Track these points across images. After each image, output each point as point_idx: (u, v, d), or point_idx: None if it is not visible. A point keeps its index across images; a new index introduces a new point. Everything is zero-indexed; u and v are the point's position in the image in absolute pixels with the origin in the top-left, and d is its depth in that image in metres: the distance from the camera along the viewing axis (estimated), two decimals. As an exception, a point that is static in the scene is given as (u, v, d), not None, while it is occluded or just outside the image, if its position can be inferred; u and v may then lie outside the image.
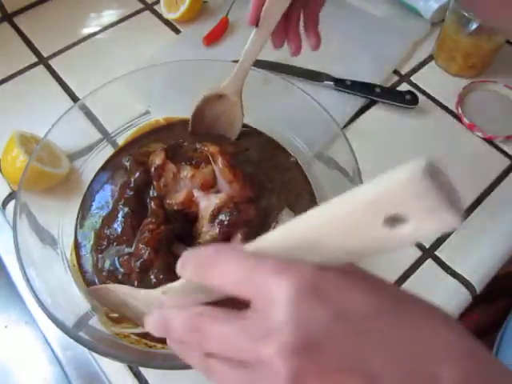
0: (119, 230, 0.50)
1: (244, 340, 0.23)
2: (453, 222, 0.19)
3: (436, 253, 0.57)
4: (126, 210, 0.51)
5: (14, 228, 0.46)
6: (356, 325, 0.22)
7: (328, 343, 0.22)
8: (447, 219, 0.19)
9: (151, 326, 0.29)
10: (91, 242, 0.51)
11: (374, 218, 0.21)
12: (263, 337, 0.23)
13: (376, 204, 0.21)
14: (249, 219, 0.49)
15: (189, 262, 0.27)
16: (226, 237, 0.48)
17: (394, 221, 0.20)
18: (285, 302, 0.22)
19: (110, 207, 0.53)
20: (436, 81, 0.73)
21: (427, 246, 0.57)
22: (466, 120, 0.67)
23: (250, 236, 0.49)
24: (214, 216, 0.48)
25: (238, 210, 0.49)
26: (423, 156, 0.20)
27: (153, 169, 0.51)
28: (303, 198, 0.55)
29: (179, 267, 0.28)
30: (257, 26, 0.45)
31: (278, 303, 0.22)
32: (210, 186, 0.51)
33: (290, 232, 0.25)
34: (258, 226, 0.50)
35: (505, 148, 0.66)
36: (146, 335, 0.46)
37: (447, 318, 0.25)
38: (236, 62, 0.52)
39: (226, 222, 0.48)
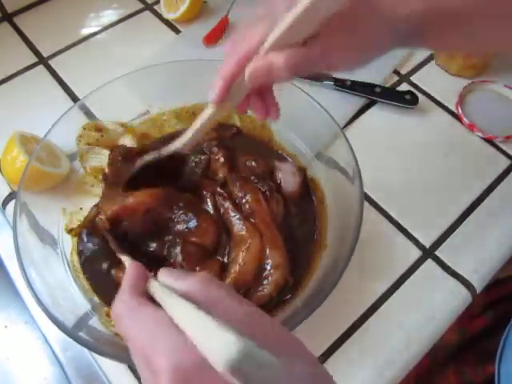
0: None
1: None
2: None
3: (436, 253, 0.57)
4: None
5: (14, 228, 0.46)
6: None
7: None
8: None
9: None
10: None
11: None
12: None
13: None
14: None
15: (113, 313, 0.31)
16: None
17: None
18: None
19: None
20: (436, 81, 0.73)
21: (427, 246, 0.57)
22: (465, 120, 0.67)
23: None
24: None
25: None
26: (240, 341, 0.22)
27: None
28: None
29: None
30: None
31: None
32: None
33: None
34: None
35: (505, 148, 0.66)
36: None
37: None
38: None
39: None
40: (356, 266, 0.45)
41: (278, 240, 0.49)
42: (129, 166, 0.56)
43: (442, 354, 0.65)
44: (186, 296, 0.28)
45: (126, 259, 0.43)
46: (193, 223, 0.49)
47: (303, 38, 0.34)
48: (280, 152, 0.60)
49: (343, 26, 0.35)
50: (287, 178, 0.56)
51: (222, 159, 0.56)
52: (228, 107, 0.43)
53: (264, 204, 0.52)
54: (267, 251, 0.48)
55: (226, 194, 0.52)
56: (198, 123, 0.45)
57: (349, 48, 0.37)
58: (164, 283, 0.31)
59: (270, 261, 0.48)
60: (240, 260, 0.48)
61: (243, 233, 0.49)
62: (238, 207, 0.51)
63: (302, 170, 0.57)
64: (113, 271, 0.49)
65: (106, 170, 0.56)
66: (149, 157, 0.51)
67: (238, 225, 0.50)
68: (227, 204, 0.51)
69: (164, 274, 0.32)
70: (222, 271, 0.48)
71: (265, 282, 0.47)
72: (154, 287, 0.31)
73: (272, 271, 0.47)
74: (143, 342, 0.27)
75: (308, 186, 0.57)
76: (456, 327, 0.59)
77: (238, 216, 0.50)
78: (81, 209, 0.55)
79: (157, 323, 0.28)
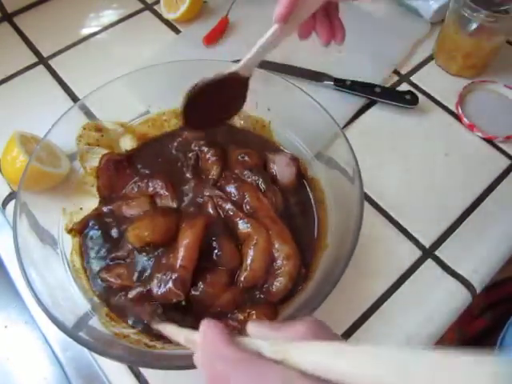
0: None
1: None
2: None
3: (436, 253, 0.57)
4: None
5: (14, 228, 0.46)
6: None
7: None
8: None
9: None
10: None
11: None
12: None
13: None
14: None
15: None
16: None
17: None
18: None
19: None
20: (436, 81, 0.73)
21: (427, 246, 0.57)
22: (465, 120, 0.67)
23: None
24: None
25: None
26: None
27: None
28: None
29: None
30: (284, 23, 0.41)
31: None
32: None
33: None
34: None
35: (505, 148, 0.66)
36: (146, 334, 0.46)
37: None
38: (236, 62, 0.51)
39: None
40: (356, 265, 0.45)
41: (286, 232, 0.50)
42: (121, 175, 0.56)
43: None
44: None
45: (185, 334, 0.37)
46: (219, 252, 0.49)
47: None
48: (273, 142, 0.60)
49: None
50: (282, 169, 0.56)
51: (213, 157, 0.56)
52: (292, 27, 0.41)
53: (264, 200, 0.52)
54: (276, 245, 0.48)
55: (225, 196, 0.52)
56: (259, 42, 0.43)
57: None
58: (259, 337, 0.28)
59: (280, 253, 0.48)
60: (249, 258, 0.48)
61: (248, 230, 0.49)
62: (238, 206, 0.51)
63: (296, 160, 0.57)
64: (104, 274, 0.49)
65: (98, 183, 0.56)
66: (208, 78, 0.47)
67: (241, 224, 0.50)
68: (228, 205, 0.51)
69: (256, 327, 0.29)
70: (231, 278, 0.48)
71: (279, 274, 0.48)
72: (249, 342, 0.28)
73: (284, 262, 0.48)
74: None
75: (302, 176, 0.57)
76: (455, 328, 0.59)
77: (240, 215, 0.50)
78: (81, 209, 0.55)
79: (292, 376, 0.24)
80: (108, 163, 0.57)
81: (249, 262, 0.48)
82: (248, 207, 0.51)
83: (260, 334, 0.28)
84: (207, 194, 0.53)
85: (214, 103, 0.49)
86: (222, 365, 0.27)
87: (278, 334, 0.27)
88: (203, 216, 0.50)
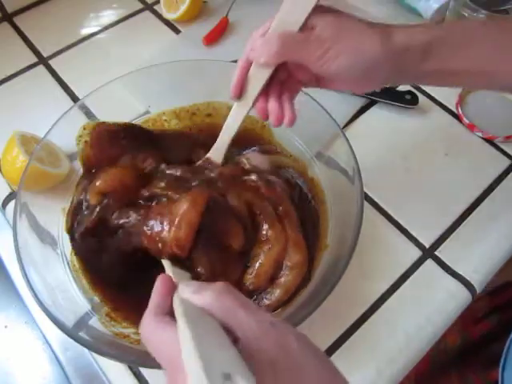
0: None
1: None
2: None
3: (436, 253, 0.57)
4: None
5: (14, 228, 0.47)
6: None
7: None
8: None
9: None
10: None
11: None
12: None
13: None
14: None
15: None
16: None
17: None
18: None
19: None
20: (436, 81, 0.73)
21: (427, 246, 0.57)
22: (465, 120, 0.67)
23: None
24: None
25: None
26: None
27: None
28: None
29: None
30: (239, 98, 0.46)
31: None
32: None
33: None
34: None
35: (505, 148, 0.66)
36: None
37: None
38: (235, 62, 0.52)
39: None
40: (356, 265, 0.45)
41: (302, 242, 0.50)
42: (114, 147, 0.54)
43: (444, 359, 0.64)
44: (204, 310, 0.29)
45: (166, 264, 0.43)
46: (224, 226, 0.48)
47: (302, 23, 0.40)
48: (273, 142, 0.60)
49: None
50: (258, 161, 0.56)
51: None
52: (247, 104, 0.45)
53: (292, 208, 0.52)
54: (289, 252, 0.49)
55: (267, 187, 0.52)
56: (224, 127, 0.49)
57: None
58: (184, 297, 0.32)
59: (288, 262, 0.48)
60: (259, 260, 0.48)
61: (269, 233, 0.49)
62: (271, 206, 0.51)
63: (262, 147, 0.58)
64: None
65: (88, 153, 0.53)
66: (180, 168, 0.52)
67: (265, 225, 0.50)
68: (264, 203, 0.50)
69: (183, 289, 0.33)
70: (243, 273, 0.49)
71: (278, 284, 0.48)
72: (176, 304, 0.32)
73: (287, 273, 0.48)
74: (165, 365, 0.28)
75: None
76: (459, 331, 0.59)
77: (270, 216, 0.50)
78: (81, 209, 0.55)
79: (172, 348, 0.28)
80: (101, 132, 0.53)
81: (257, 264, 0.48)
82: (280, 209, 0.51)
83: (184, 296, 0.32)
84: (251, 177, 0.52)
85: None
86: (143, 327, 0.32)
87: (192, 298, 0.31)
88: (208, 191, 0.48)
